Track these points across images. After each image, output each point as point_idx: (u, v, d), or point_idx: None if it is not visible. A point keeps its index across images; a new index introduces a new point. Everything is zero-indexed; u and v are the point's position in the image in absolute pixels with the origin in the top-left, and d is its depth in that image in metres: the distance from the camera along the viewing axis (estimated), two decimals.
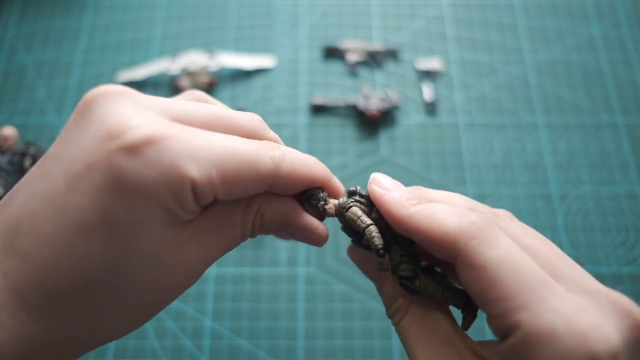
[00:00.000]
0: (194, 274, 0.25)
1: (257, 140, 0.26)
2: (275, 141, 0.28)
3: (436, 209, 0.25)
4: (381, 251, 0.27)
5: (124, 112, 0.22)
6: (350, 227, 0.29)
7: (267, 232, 0.29)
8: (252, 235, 0.28)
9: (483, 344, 0.25)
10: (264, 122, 0.28)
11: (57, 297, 0.22)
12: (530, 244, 0.25)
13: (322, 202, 0.29)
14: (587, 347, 0.21)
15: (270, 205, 0.27)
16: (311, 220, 0.29)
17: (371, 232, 0.27)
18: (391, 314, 0.29)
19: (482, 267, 0.23)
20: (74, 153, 0.22)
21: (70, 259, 0.21)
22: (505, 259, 0.23)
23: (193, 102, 0.26)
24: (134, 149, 0.21)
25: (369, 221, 0.28)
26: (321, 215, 0.29)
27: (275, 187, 0.26)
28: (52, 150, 0.23)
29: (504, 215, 0.27)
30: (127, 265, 0.22)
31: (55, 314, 0.22)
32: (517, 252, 0.23)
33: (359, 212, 0.28)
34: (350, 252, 0.33)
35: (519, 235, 0.25)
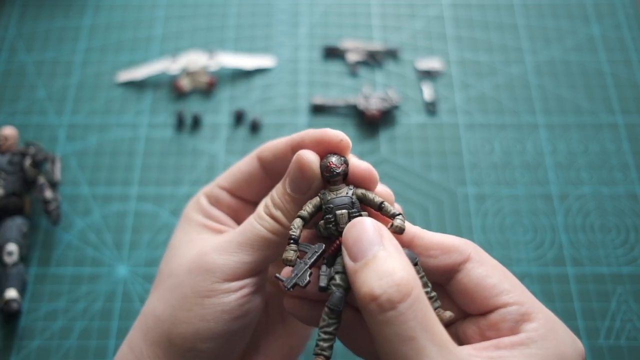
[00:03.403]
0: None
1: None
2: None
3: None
4: (400, 214, 0.31)
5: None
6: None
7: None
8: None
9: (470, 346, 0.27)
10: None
11: None
12: None
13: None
14: (574, 337, 0.28)
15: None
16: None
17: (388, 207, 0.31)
18: (407, 290, 0.26)
19: (495, 265, 0.30)
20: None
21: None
22: (499, 263, 0.30)
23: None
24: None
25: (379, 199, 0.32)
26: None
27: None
28: None
29: None
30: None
31: None
32: None
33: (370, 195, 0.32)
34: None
35: None
